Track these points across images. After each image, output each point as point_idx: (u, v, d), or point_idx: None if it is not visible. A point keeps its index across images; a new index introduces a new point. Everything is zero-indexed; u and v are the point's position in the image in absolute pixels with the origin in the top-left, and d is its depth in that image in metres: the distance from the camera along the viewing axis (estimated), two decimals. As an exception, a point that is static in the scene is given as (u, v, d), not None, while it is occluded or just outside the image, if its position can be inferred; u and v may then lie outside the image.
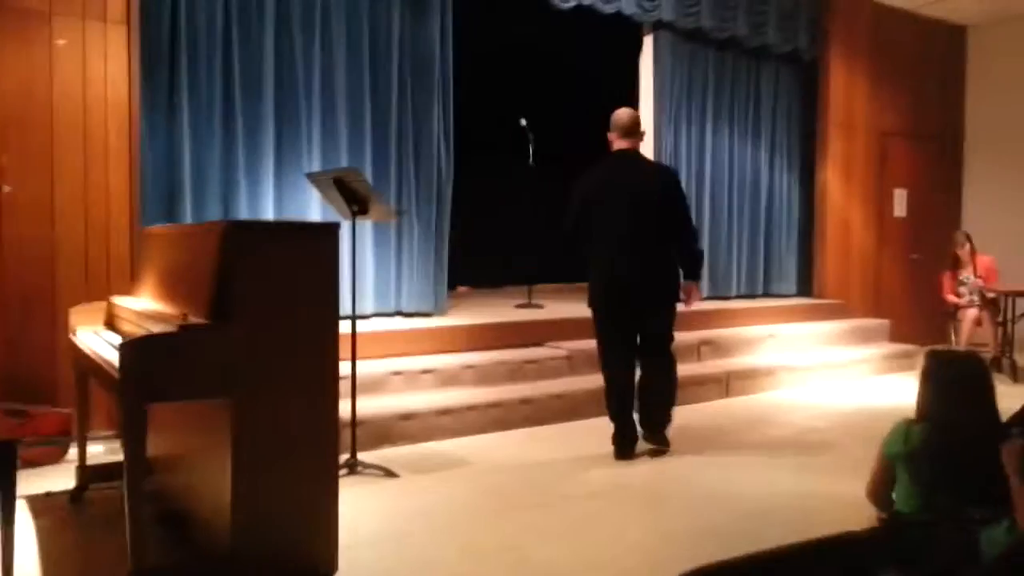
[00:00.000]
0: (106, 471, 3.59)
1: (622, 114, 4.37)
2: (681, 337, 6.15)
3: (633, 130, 4.33)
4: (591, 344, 5.65)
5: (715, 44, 7.34)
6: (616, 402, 4.37)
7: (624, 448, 4.33)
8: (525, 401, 4.96)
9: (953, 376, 2.46)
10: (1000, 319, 7.05)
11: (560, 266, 9.05)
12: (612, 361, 4.38)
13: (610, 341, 4.38)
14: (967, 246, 7.20)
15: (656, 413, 4.41)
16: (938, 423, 2.42)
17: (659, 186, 4.25)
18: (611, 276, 4.27)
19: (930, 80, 8.70)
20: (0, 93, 4.19)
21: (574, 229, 4.36)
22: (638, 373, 4.40)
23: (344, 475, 3.76)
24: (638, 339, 4.35)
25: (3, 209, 4.21)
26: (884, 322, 7.76)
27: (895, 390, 6.34)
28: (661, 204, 4.21)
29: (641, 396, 4.37)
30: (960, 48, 8.97)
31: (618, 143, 4.34)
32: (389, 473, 3.92)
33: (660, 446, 4.39)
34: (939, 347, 2.60)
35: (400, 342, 5.17)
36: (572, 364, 5.53)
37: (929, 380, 2.50)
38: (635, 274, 4.21)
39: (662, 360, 4.39)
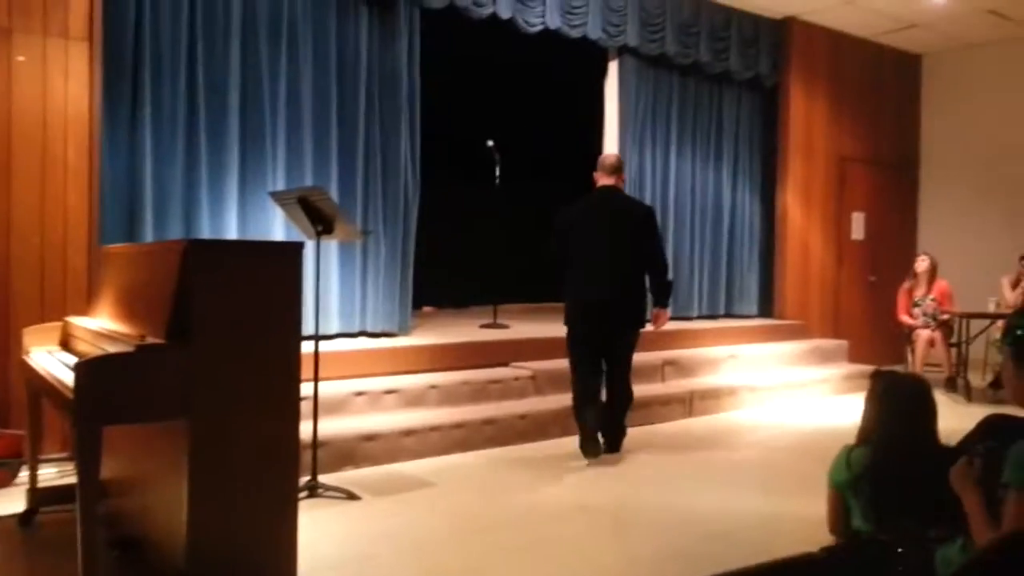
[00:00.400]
0: (58, 494, 3.49)
1: (608, 156, 5.01)
2: (645, 357, 6.22)
3: (616, 170, 4.80)
4: (555, 364, 5.70)
5: (679, 69, 7.45)
6: (589, 407, 4.66)
7: (595, 448, 4.66)
8: (489, 421, 4.94)
9: (896, 397, 2.47)
10: (954, 340, 7.20)
11: (525, 286, 9.09)
12: (584, 372, 4.70)
13: (582, 355, 4.71)
14: (926, 264, 7.32)
15: (618, 426, 4.82)
16: (880, 445, 2.44)
17: (637, 219, 4.71)
18: (589, 298, 4.63)
19: (887, 106, 8.92)
20: (-44, 108, 4.10)
21: (558, 253, 4.72)
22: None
23: (304, 498, 3.71)
24: (604, 356, 4.74)
25: (-43, 226, 4.10)
26: (843, 343, 7.89)
27: (854, 410, 6.38)
28: (638, 236, 4.66)
29: (607, 410, 4.75)
30: (915, 76, 9.22)
31: (603, 180, 4.78)
32: (351, 495, 3.86)
33: (615, 453, 4.81)
34: (883, 368, 2.62)
35: (364, 362, 5.12)
36: (536, 384, 5.52)
37: (872, 401, 2.52)
38: (612, 297, 4.61)
39: (625, 375, 4.77)
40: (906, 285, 7.50)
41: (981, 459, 1.94)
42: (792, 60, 8.01)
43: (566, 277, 4.74)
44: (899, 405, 2.44)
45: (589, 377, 4.68)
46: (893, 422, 2.42)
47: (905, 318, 7.41)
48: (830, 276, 8.42)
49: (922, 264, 7.37)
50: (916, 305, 7.38)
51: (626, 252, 4.62)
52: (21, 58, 4.26)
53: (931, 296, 7.27)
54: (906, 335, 7.50)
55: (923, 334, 7.20)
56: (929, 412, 2.43)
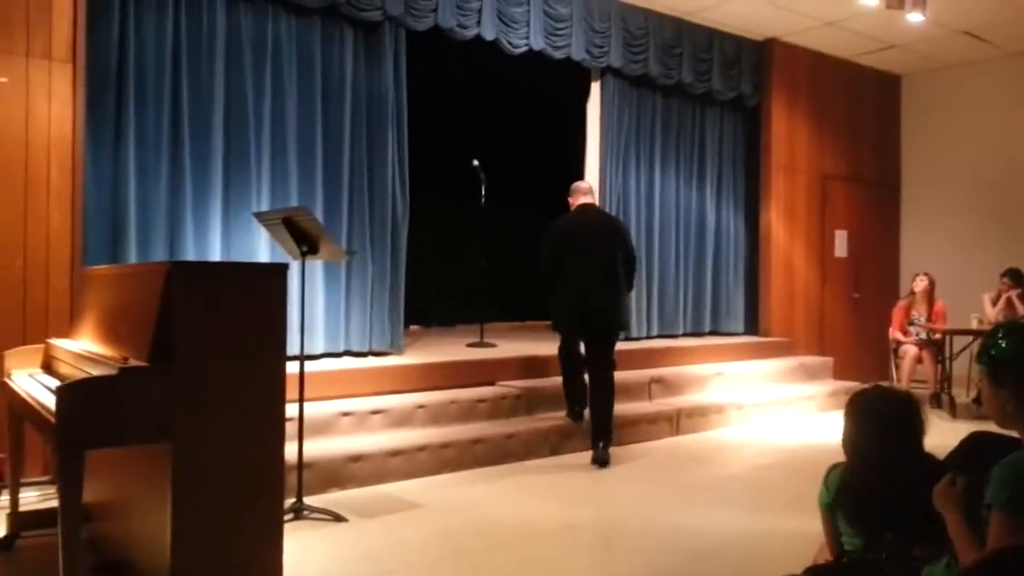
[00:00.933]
0: (40, 518, 3.44)
1: (584, 182, 5.67)
2: (631, 375, 6.24)
3: (591, 191, 5.49)
4: (543, 383, 5.70)
5: (662, 90, 7.52)
6: (577, 379, 5.23)
7: (581, 412, 5.25)
8: (477, 441, 4.92)
9: (874, 413, 2.43)
10: (940, 357, 7.25)
11: (511, 305, 9.09)
12: (579, 373, 5.23)
13: (577, 356, 5.24)
14: (925, 284, 7.38)
15: (607, 421, 5.11)
16: (856, 463, 2.41)
17: (620, 230, 5.39)
18: (590, 304, 5.07)
19: (867, 125, 9.03)
20: (-62, 129, 4.07)
21: (554, 263, 5.13)
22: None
23: (290, 520, 3.67)
24: (592, 357, 5.16)
25: (-63, 248, 4.06)
26: (828, 360, 7.92)
27: (839, 427, 6.43)
28: (622, 244, 5.21)
29: (594, 409, 5.10)
30: (895, 95, 9.34)
31: (584, 199, 5.34)
32: (337, 517, 3.83)
33: (605, 460, 5.02)
34: (868, 385, 2.57)
35: (350, 382, 5.09)
36: (524, 403, 5.51)
37: (849, 418, 2.49)
38: (608, 303, 5.09)
39: (610, 374, 5.13)
40: (903, 302, 7.56)
41: (963, 479, 1.94)
42: (774, 80, 8.10)
43: (559, 287, 5.13)
44: (877, 422, 2.40)
45: (579, 356, 5.20)
46: (870, 439, 2.39)
47: (898, 334, 7.45)
48: (814, 293, 8.47)
49: (920, 284, 7.43)
50: (912, 324, 7.44)
51: (615, 260, 5.12)
52: (4, 79, 4.24)
53: (926, 317, 7.33)
54: (893, 350, 7.54)
55: (911, 350, 7.24)
56: (913, 427, 2.40)
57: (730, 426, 6.30)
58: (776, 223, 8.16)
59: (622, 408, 5.84)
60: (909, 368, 7.26)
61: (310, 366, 4.40)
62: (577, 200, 5.33)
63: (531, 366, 5.95)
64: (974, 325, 7.20)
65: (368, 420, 4.82)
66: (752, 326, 8.19)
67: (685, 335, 7.70)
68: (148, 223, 4.85)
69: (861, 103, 8.93)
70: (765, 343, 7.84)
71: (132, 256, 4.73)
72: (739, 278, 8.19)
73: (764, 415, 6.61)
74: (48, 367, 3.48)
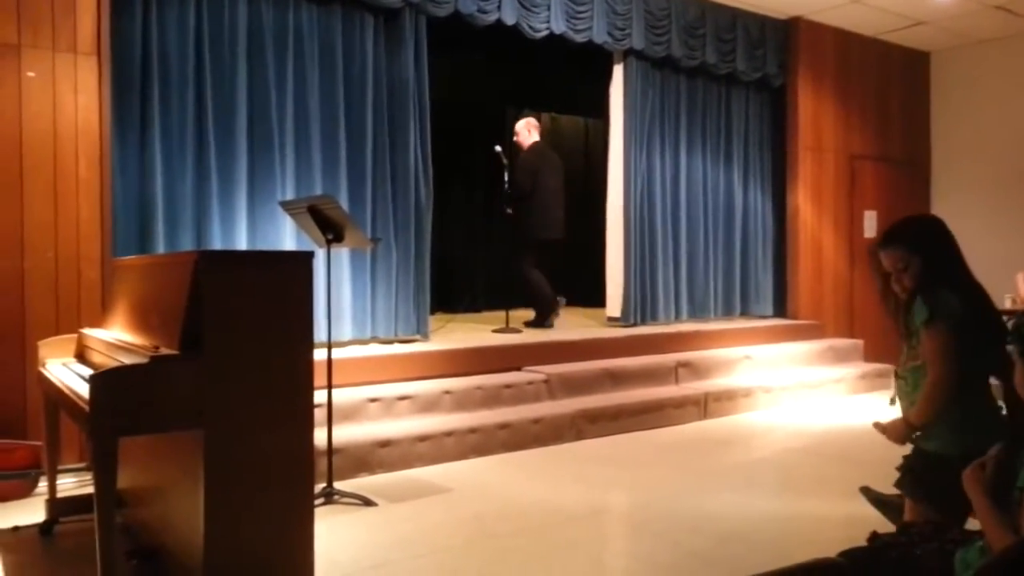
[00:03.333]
0: (77, 504, 3.52)
1: (534, 119, 7.10)
2: (658, 360, 6.24)
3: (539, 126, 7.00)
4: (569, 368, 5.71)
5: (685, 71, 7.44)
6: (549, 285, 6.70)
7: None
8: (503, 426, 4.94)
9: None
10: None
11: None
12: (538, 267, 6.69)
13: (538, 261, 6.67)
14: None
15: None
16: None
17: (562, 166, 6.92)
18: (553, 220, 6.66)
19: (896, 104, 8.87)
20: (-31, 125, 4.14)
21: (528, 188, 6.53)
22: None
23: (320, 504, 3.71)
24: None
25: (-28, 241, 4.14)
26: (858, 342, 7.84)
27: (870, 409, 6.38)
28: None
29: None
30: (924, 73, 9.16)
31: (535, 134, 6.84)
32: (367, 502, 3.87)
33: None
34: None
35: (377, 368, 5.13)
36: (550, 388, 5.52)
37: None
38: (562, 220, 6.72)
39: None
40: None
41: (992, 463, 1.92)
42: (799, 60, 7.98)
43: (531, 208, 6.54)
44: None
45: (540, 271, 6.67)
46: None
47: None
48: (843, 275, 8.37)
49: None
50: None
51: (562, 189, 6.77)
52: (31, 74, 4.30)
53: None
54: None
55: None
56: None
57: (758, 410, 6.26)
58: (804, 204, 8.06)
59: (649, 392, 5.85)
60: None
61: (337, 353, 4.44)
62: (533, 134, 6.77)
63: (557, 351, 5.95)
64: (1007, 305, 7.07)
65: (395, 406, 4.85)
66: (781, 308, 8.12)
67: (717, 318, 7.66)
68: (175, 214, 4.90)
69: (889, 81, 8.78)
70: (794, 326, 7.77)
71: (160, 247, 4.79)
72: (768, 260, 8.11)
73: (792, 398, 6.56)
74: (81, 356, 3.54)
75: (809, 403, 6.58)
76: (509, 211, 6.57)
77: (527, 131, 6.83)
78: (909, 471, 2.59)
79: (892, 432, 2.65)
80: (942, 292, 2.49)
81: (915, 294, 2.55)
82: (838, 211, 8.34)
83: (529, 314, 6.93)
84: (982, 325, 2.50)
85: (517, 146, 6.87)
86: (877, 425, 2.71)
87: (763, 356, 6.94)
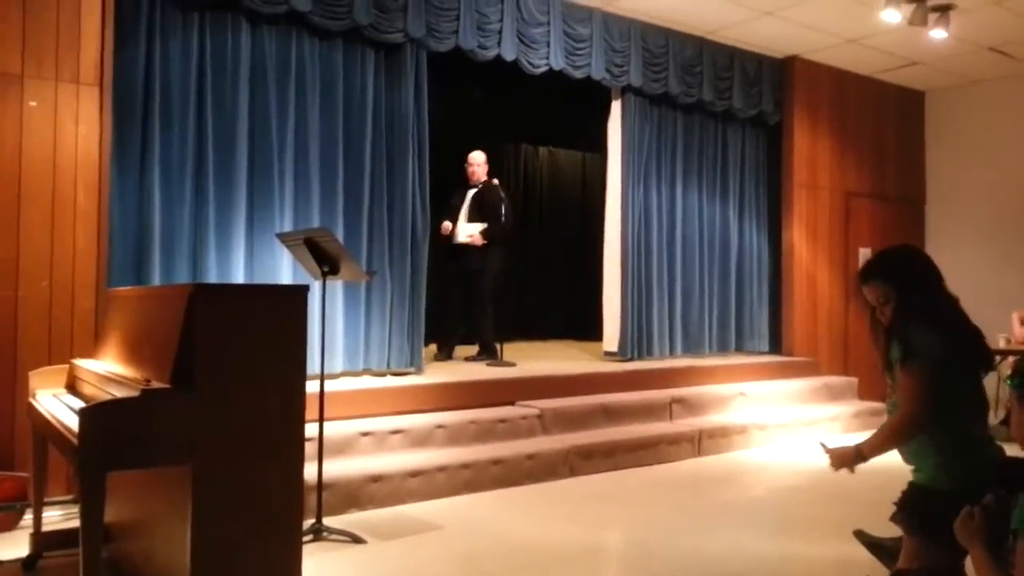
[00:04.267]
0: (62, 538, 3.47)
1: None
2: (652, 395, 6.22)
3: None
4: (563, 403, 5.70)
5: (682, 108, 7.52)
6: None
7: None
8: (496, 462, 4.91)
9: None
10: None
11: (532, 324, 9.09)
12: None
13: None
14: None
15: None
16: None
17: None
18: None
19: (891, 142, 8.96)
20: (-32, 153, 4.16)
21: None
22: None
23: (309, 541, 3.68)
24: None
25: (-34, 268, 4.14)
26: (852, 380, 7.83)
27: (865, 448, 6.35)
28: None
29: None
30: (919, 112, 9.27)
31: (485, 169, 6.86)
32: (356, 539, 3.83)
33: None
34: None
35: (369, 402, 5.11)
36: (544, 423, 5.49)
37: None
38: None
39: None
40: None
41: (981, 512, 1.92)
42: (795, 98, 8.08)
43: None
44: None
45: None
46: None
47: None
48: (838, 312, 8.39)
49: None
50: None
51: None
52: (33, 103, 4.33)
53: None
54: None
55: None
56: None
57: (753, 447, 6.24)
58: (799, 241, 8.11)
59: (643, 428, 5.83)
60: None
61: (329, 385, 4.42)
62: (486, 170, 6.84)
63: (550, 386, 5.93)
64: (1002, 345, 7.09)
65: (387, 440, 4.82)
66: (777, 345, 8.13)
67: (712, 354, 7.66)
68: (172, 244, 4.91)
69: (884, 120, 8.88)
70: (788, 362, 7.77)
71: (156, 276, 4.79)
72: (763, 296, 8.14)
73: (788, 436, 6.54)
74: (72, 387, 3.53)
75: (804, 441, 6.55)
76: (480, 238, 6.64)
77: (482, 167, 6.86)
78: (904, 505, 2.57)
79: (836, 457, 2.63)
80: (918, 328, 2.45)
81: (894, 328, 2.52)
82: (833, 248, 8.39)
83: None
84: (965, 358, 2.47)
85: (472, 177, 6.82)
86: (823, 446, 2.69)
87: (758, 393, 6.92)
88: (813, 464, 5.79)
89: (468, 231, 6.67)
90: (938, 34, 6.73)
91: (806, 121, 8.16)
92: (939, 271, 2.63)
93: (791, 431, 6.59)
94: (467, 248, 6.66)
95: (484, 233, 6.61)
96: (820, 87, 8.26)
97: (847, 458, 2.60)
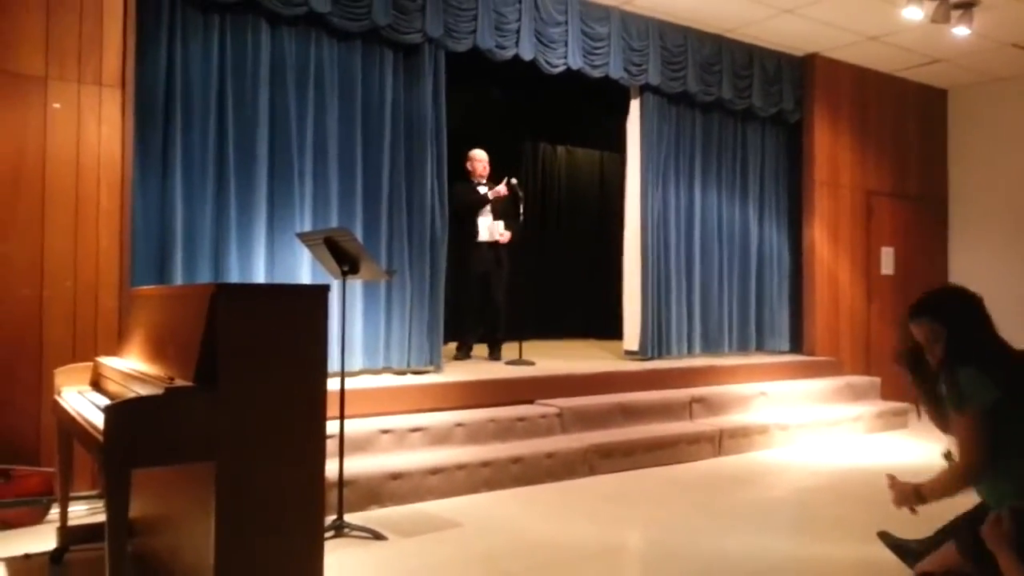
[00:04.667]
0: (88, 532, 3.52)
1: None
2: (672, 394, 6.20)
3: None
4: (582, 402, 5.69)
5: (701, 107, 7.49)
6: None
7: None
8: (516, 460, 4.91)
9: None
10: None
11: (551, 323, 9.10)
12: None
13: None
14: None
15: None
16: None
17: None
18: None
19: (913, 140, 8.88)
20: (-5, 154, 4.23)
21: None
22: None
23: (330, 537, 3.71)
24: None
25: (-7, 268, 4.20)
26: (875, 379, 7.76)
27: (887, 449, 6.30)
28: None
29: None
30: (941, 109, 9.18)
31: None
32: (377, 536, 3.85)
33: None
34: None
35: (389, 400, 5.13)
36: (563, 422, 5.49)
37: None
38: None
39: None
40: None
41: (1007, 513, 1.90)
42: (816, 96, 8.02)
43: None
44: None
45: None
46: None
47: None
48: (860, 311, 8.32)
49: None
50: None
51: None
52: (57, 105, 4.39)
53: None
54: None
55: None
56: None
57: (774, 447, 6.20)
58: (820, 240, 8.05)
59: (662, 428, 5.81)
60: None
61: (350, 383, 4.44)
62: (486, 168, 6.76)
63: (569, 384, 5.93)
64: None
65: (407, 438, 4.85)
66: (798, 344, 8.08)
67: (732, 353, 7.64)
68: (194, 244, 4.96)
69: (906, 117, 8.80)
70: (810, 362, 7.72)
71: (178, 276, 4.84)
72: (783, 296, 8.09)
73: (809, 436, 6.49)
74: (97, 385, 3.57)
75: (826, 441, 6.51)
76: (508, 237, 6.63)
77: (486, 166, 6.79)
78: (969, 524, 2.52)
79: (899, 494, 2.60)
80: (970, 370, 2.45)
81: (944, 369, 2.52)
82: (855, 247, 8.32)
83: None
84: (1021, 393, 2.44)
85: (473, 175, 6.72)
86: (890, 477, 2.66)
87: (779, 392, 6.88)
88: (836, 464, 5.76)
89: (497, 229, 6.65)
90: (961, 31, 6.66)
91: (827, 119, 8.10)
92: (988, 312, 2.62)
93: (813, 431, 6.54)
94: (490, 246, 6.65)
95: (511, 229, 6.62)
96: (841, 85, 8.20)
97: (908, 497, 2.57)
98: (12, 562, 3.44)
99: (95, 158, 4.48)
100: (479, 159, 6.74)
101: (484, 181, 6.70)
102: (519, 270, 6.86)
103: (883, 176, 8.59)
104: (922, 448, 6.30)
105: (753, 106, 7.67)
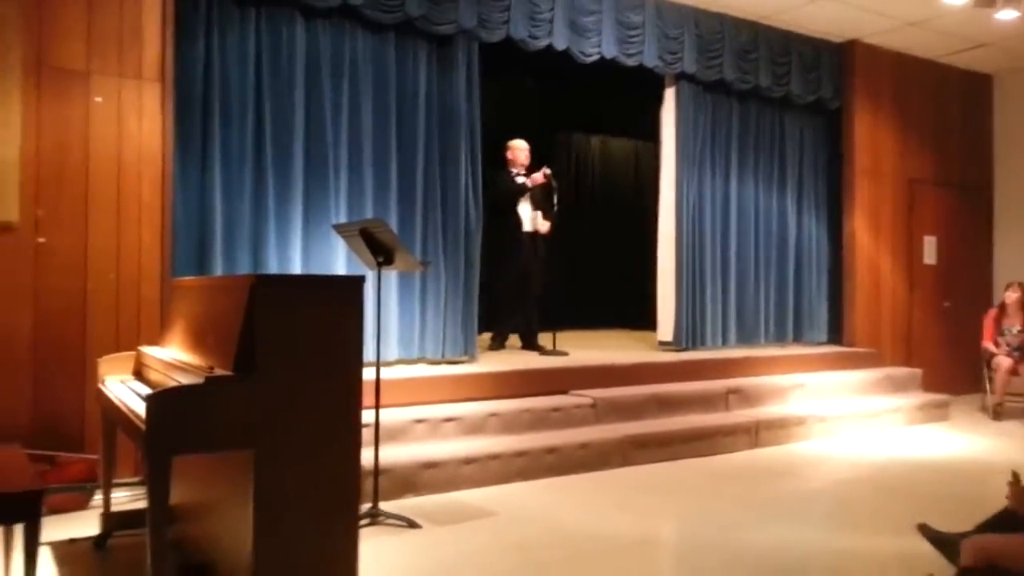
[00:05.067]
0: (130, 518, 3.61)
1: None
2: (708, 385, 6.16)
3: None
4: (616, 392, 5.68)
5: (738, 95, 7.41)
6: None
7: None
8: (550, 450, 4.92)
9: None
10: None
11: (585, 312, 9.08)
12: None
13: None
14: (1016, 296, 7.19)
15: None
16: None
17: None
18: None
19: (956, 127, 8.68)
20: (39, 149, 4.33)
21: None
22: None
23: (366, 525, 3.75)
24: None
25: (39, 261, 4.31)
26: (916, 371, 7.63)
27: (928, 441, 6.20)
28: None
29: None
30: (986, 95, 8.95)
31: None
32: (411, 524, 3.89)
33: None
34: None
35: (424, 389, 5.17)
36: (597, 412, 5.49)
37: None
38: None
39: None
40: (993, 311, 7.39)
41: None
42: (856, 83, 7.88)
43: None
44: None
45: None
46: None
47: (990, 345, 7.23)
48: (902, 302, 8.18)
49: (1012, 296, 7.25)
50: (1002, 334, 7.20)
51: None
52: (99, 99, 4.48)
53: (1019, 327, 7.13)
54: (985, 362, 7.27)
55: (1004, 362, 6.99)
56: None
57: (812, 439, 6.13)
58: (861, 229, 7.92)
59: (698, 419, 5.78)
60: (1002, 380, 6.98)
61: (385, 373, 4.49)
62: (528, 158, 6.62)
63: (604, 375, 5.92)
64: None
65: (441, 427, 4.88)
66: (836, 336, 7.97)
67: (768, 344, 7.56)
68: (233, 236, 5.04)
69: (949, 104, 8.60)
70: (849, 353, 7.61)
71: (218, 268, 4.92)
72: (822, 286, 7.99)
73: (848, 428, 6.41)
74: (139, 374, 3.65)
75: (865, 434, 6.42)
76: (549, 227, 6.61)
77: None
78: None
79: (1018, 499, 2.54)
80: None
81: None
82: (896, 236, 8.17)
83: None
84: None
85: (513, 165, 6.58)
86: (1015, 475, 2.60)
87: (817, 384, 6.80)
88: (874, 456, 5.68)
89: (539, 220, 6.62)
90: (1007, 15, 6.48)
91: (867, 106, 7.95)
92: None
93: (852, 423, 6.45)
94: (531, 236, 6.62)
95: (549, 219, 6.60)
96: (881, 71, 8.04)
97: None
98: (58, 546, 3.54)
99: (136, 152, 4.56)
100: (520, 148, 6.68)
101: (523, 172, 6.65)
102: (553, 260, 6.85)
103: (925, 164, 8.41)
104: (963, 440, 6.19)
105: (791, 94, 7.56)
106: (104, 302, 4.46)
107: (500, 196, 6.51)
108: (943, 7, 6.62)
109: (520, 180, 6.56)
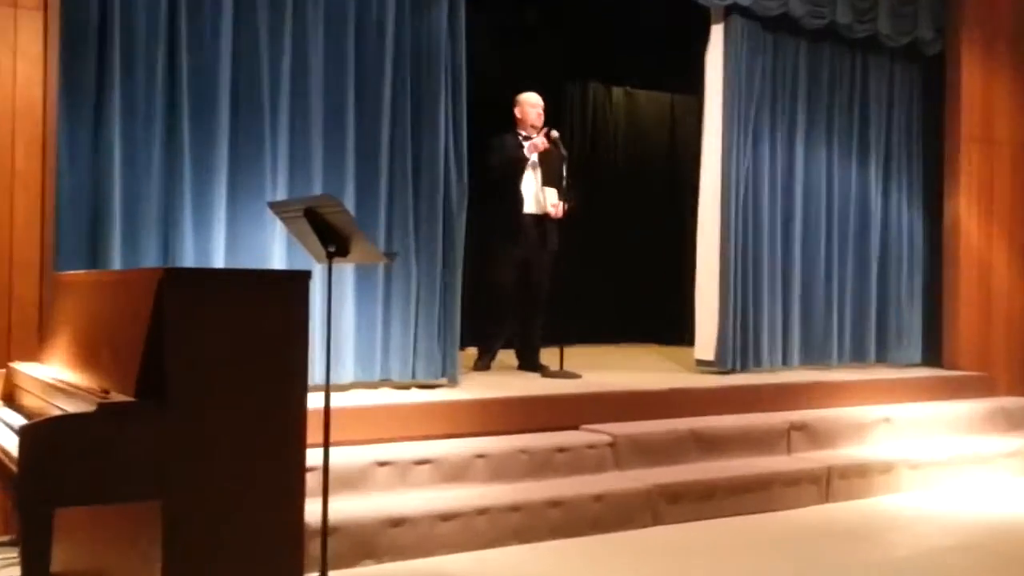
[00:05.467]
0: (-2, 591, 3.61)
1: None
2: (764, 419, 6.20)
3: None
4: (643, 428, 5.71)
5: (807, 35, 7.45)
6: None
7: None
8: (554, 503, 4.94)
9: None
10: None
11: (601, 324, 9.10)
12: None
13: None
14: None
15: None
16: None
17: None
18: None
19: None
20: None
21: None
22: None
23: (311, 602, 3.76)
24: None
25: None
26: (1040, 402, 7.69)
27: (1055, 495, 6.24)
28: None
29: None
30: None
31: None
32: (371, 600, 3.91)
33: None
34: None
35: (389, 422, 5.19)
36: (617, 455, 5.51)
37: None
38: None
39: None
40: None
41: None
42: (963, 20, 7.93)
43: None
44: None
45: None
46: None
47: None
48: (1021, 311, 8.22)
49: None
50: None
51: None
52: (-43, 33, 4.47)
53: None
54: None
55: None
56: None
57: (901, 491, 6.16)
58: (967, 214, 7.96)
59: (751, 464, 5.81)
60: None
61: (337, 400, 4.49)
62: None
63: (626, 404, 5.95)
64: None
65: (412, 472, 4.89)
66: (934, 355, 8.04)
67: (843, 366, 7.61)
68: (136, 217, 5.03)
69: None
70: (951, 378, 7.66)
71: (116, 259, 4.91)
72: (915, 290, 8.05)
73: (949, 477, 6.44)
74: (10, 398, 3.66)
75: (972, 485, 6.46)
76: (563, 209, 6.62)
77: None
78: None
79: None
80: None
81: None
82: (1015, 225, 8.21)
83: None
84: None
85: (523, 126, 6.76)
86: None
87: (908, 418, 6.84)
88: (984, 515, 5.72)
89: (550, 199, 6.63)
90: None
91: (978, 51, 7.99)
92: None
93: (954, 470, 6.49)
94: (536, 220, 6.65)
95: (564, 200, 6.60)
96: (998, 6, 8.09)
97: None
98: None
99: (8, 103, 4.55)
100: (530, 103, 6.71)
101: (536, 134, 6.67)
102: (560, 254, 6.86)
103: (1055, 129, 8.46)
104: (1102, 495, 6.22)
105: (878, 34, 7.60)
106: (-37, 303, 4.46)
107: (498, 166, 6.51)
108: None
109: (527, 146, 6.58)
